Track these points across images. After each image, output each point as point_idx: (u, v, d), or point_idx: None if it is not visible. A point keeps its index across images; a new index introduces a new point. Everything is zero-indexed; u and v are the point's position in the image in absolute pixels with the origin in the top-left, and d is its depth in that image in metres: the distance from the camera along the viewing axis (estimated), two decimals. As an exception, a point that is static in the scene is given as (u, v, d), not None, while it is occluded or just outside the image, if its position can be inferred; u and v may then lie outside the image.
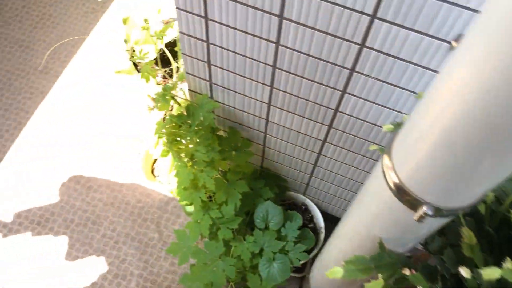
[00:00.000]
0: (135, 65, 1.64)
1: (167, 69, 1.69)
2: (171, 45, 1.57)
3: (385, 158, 0.65)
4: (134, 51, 1.56)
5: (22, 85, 1.86)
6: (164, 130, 1.19)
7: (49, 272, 1.54)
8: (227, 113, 1.19)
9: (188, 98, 1.25)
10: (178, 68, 1.67)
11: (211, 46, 0.96)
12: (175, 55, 1.63)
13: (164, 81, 1.68)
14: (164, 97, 1.11)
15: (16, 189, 1.66)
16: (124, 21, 1.53)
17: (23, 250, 1.57)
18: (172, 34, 1.58)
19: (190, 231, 1.27)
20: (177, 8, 0.90)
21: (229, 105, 1.15)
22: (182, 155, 1.23)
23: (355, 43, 0.79)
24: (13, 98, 1.83)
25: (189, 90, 1.18)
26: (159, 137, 1.21)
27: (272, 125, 1.15)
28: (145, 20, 1.50)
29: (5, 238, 1.57)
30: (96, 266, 1.53)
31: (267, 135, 1.21)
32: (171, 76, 1.67)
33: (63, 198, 1.64)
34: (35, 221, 1.60)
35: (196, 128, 1.15)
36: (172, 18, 1.72)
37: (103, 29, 1.99)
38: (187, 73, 1.11)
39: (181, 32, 0.97)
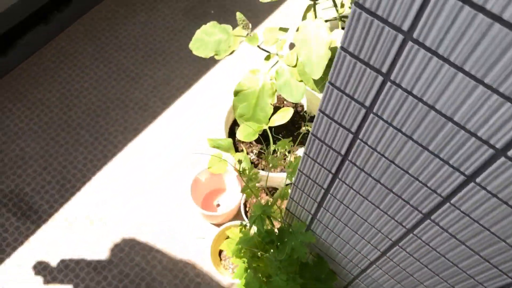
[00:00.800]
0: (234, 141, 1.56)
1: (263, 147, 1.59)
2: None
3: None
4: (237, 126, 1.48)
5: (118, 117, 1.84)
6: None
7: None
8: (321, 245, 1.07)
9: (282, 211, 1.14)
10: (275, 150, 1.57)
11: (329, 195, 0.85)
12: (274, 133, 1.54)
13: (258, 159, 1.59)
14: (261, 217, 1.00)
15: (82, 226, 1.62)
16: (235, 93, 1.45)
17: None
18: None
19: None
20: (305, 153, 0.80)
21: (325, 241, 1.03)
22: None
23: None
24: (105, 128, 1.81)
25: (286, 208, 1.07)
26: (240, 248, 1.11)
27: (368, 276, 1.01)
28: (256, 99, 1.42)
29: (59, 274, 1.53)
30: (137, 334, 1.45)
31: (358, 281, 1.07)
32: (265, 155, 1.57)
33: (125, 248, 1.58)
34: (92, 265, 1.55)
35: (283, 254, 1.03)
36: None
37: (211, 81, 1.93)
38: (291, 198, 1.00)
39: (299, 170, 0.86)
